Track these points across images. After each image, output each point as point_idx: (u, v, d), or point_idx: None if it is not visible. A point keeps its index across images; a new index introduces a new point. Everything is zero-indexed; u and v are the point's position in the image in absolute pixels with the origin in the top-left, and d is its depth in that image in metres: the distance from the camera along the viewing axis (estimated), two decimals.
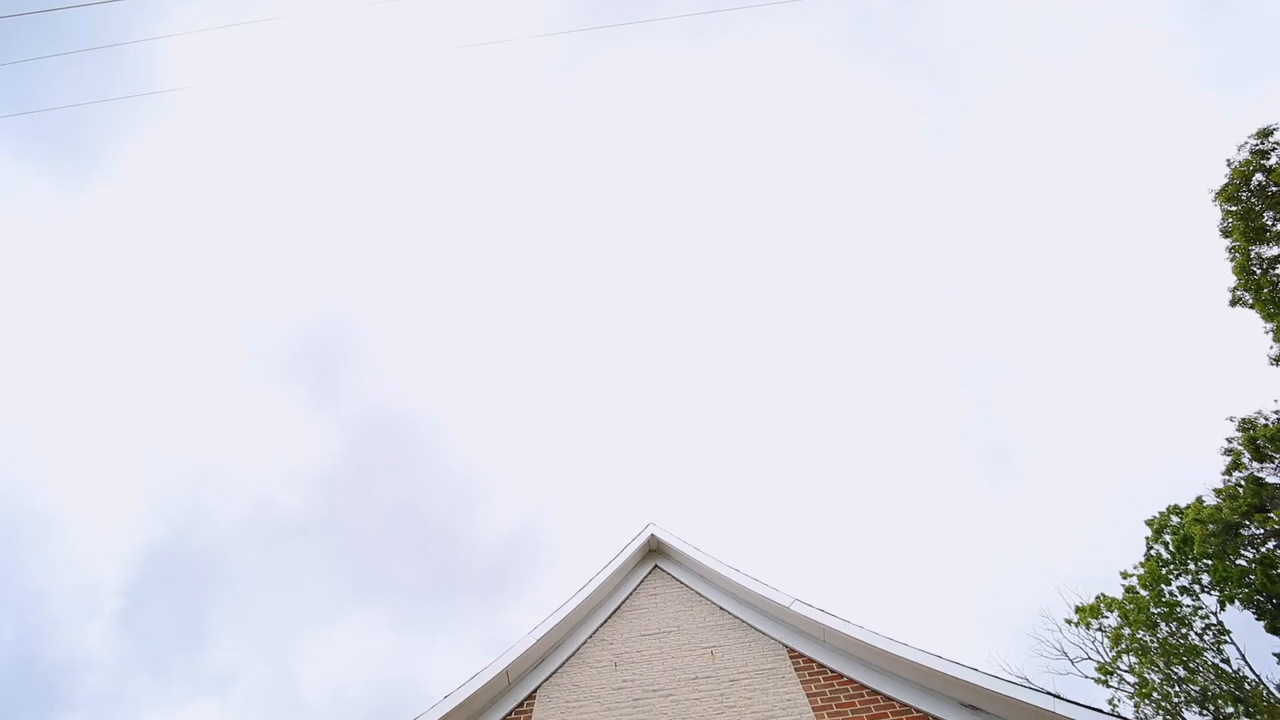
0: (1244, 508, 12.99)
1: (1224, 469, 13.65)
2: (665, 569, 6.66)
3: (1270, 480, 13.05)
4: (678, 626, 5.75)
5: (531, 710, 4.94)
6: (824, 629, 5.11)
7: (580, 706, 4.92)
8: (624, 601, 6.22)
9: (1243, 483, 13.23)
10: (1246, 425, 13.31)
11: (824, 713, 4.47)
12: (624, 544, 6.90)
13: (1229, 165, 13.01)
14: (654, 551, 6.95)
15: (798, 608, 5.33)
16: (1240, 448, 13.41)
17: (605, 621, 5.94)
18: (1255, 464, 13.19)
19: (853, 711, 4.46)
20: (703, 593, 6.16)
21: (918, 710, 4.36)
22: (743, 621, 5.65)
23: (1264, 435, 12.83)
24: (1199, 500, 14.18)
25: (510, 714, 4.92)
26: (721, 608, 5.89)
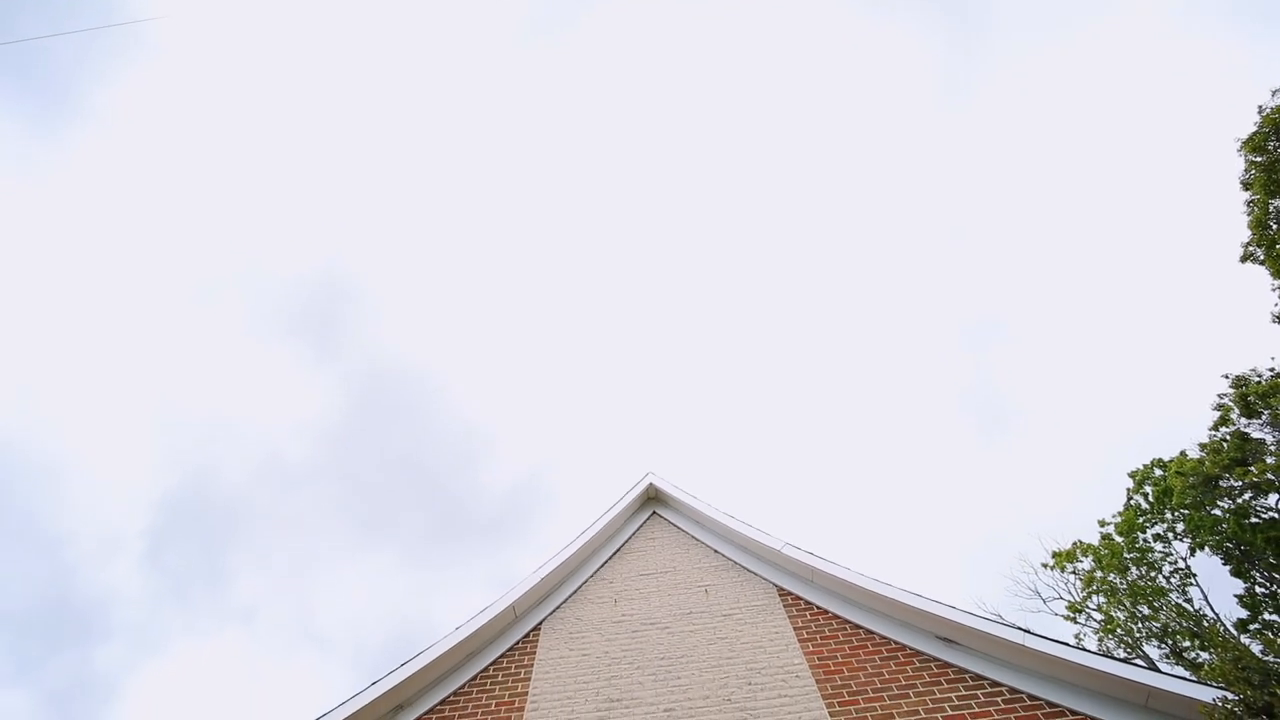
0: (1226, 461, 13.38)
1: (1212, 424, 13.93)
2: (663, 515, 6.97)
3: (1255, 435, 13.36)
4: (674, 567, 6.09)
5: (537, 640, 5.32)
6: (812, 570, 5.41)
7: (583, 637, 5.30)
8: (624, 544, 6.55)
9: (1228, 438, 13.55)
10: (1240, 382, 13.46)
11: (808, 644, 4.83)
12: (624, 492, 7.18)
13: (1260, 112, 12.39)
14: (652, 499, 7.24)
15: (789, 551, 5.62)
16: (1231, 404, 13.62)
17: (606, 562, 6.28)
18: (1244, 420, 13.44)
19: (835, 643, 4.81)
20: (698, 537, 6.47)
21: (896, 642, 4.70)
22: (735, 563, 5.98)
23: (1255, 392, 13.00)
24: (1183, 454, 14.58)
25: (518, 643, 5.31)
26: (716, 550, 6.22)
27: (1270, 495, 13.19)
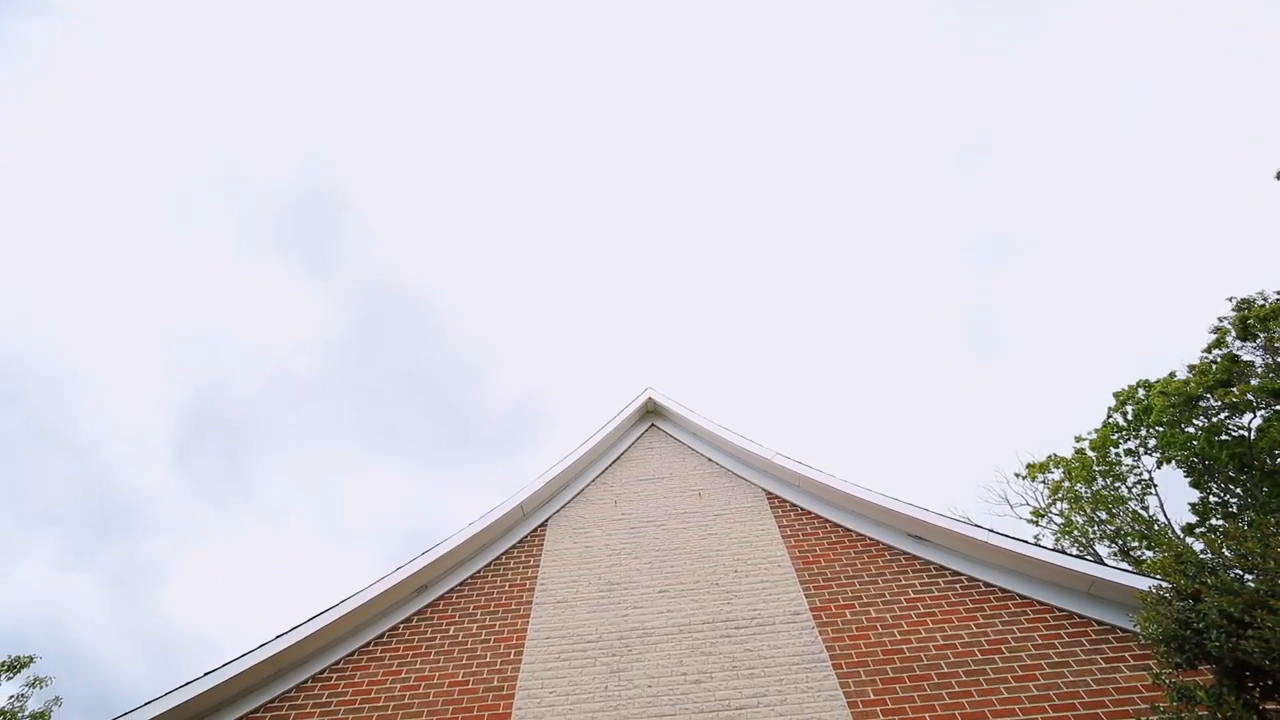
0: (1211, 382, 13.72)
1: (1205, 347, 14.08)
2: (661, 427, 7.31)
3: (1246, 358, 13.57)
4: (670, 473, 6.51)
5: (544, 534, 5.85)
6: (799, 477, 5.80)
7: (585, 533, 5.82)
8: (623, 452, 6.95)
9: (1219, 360, 13.77)
10: (1243, 305, 13.38)
11: (791, 540, 5.31)
12: (624, 405, 7.46)
13: None
14: (651, 412, 7.54)
15: (779, 460, 5.98)
16: (1229, 326, 13.67)
17: (607, 468, 6.70)
18: (1239, 342, 13.55)
19: (815, 540, 5.29)
20: (694, 447, 6.84)
21: (871, 539, 5.18)
22: (728, 470, 6.38)
23: (1257, 315, 12.98)
24: (1171, 375, 14.91)
25: (526, 537, 5.84)
26: (709, 459, 6.61)
27: (1245, 415, 13.70)
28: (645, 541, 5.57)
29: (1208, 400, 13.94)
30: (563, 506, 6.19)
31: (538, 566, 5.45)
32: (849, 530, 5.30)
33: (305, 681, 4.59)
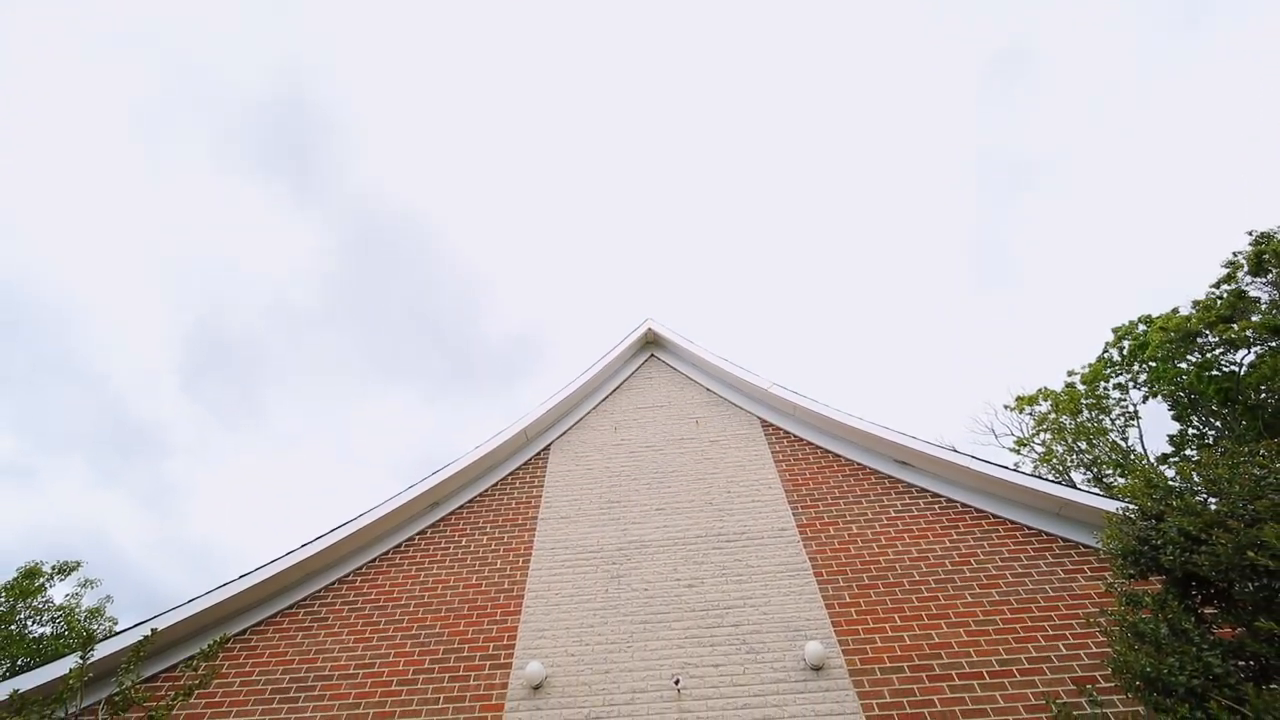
0: (1212, 318, 13.68)
1: (1214, 281, 13.87)
2: (660, 357, 7.39)
3: (1253, 294, 13.41)
4: (669, 402, 6.69)
5: (547, 458, 6.13)
6: (794, 406, 5.97)
7: (586, 457, 6.09)
8: (623, 382, 7.09)
9: (1225, 295, 13.63)
10: (1262, 239, 12.99)
11: (783, 464, 5.58)
12: (624, 335, 7.49)
13: None
14: (651, 343, 7.59)
15: (775, 390, 6.12)
16: (1243, 261, 13.37)
17: (607, 396, 6.87)
18: (1250, 277, 13.33)
19: (806, 464, 5.55)
20: (692, 376, 6.97)
21: (859, 464, 5.43)
22: (725, 399, 6.55)
23: (1274, 249, 12.64)
24: (1174, 310, 14.83)
25: (531, 460, 6.13)
26: (708, 389, 6.76)
27: (1240, 351, 13.79)
28: (644, 464, 5.85)
29: (1206, 336, 13.98)
30: (565, 432, 6.42)
31: (542, 486, 5.77)
32: (838, 456, 5.55)
33: (333, 583, 5.04)
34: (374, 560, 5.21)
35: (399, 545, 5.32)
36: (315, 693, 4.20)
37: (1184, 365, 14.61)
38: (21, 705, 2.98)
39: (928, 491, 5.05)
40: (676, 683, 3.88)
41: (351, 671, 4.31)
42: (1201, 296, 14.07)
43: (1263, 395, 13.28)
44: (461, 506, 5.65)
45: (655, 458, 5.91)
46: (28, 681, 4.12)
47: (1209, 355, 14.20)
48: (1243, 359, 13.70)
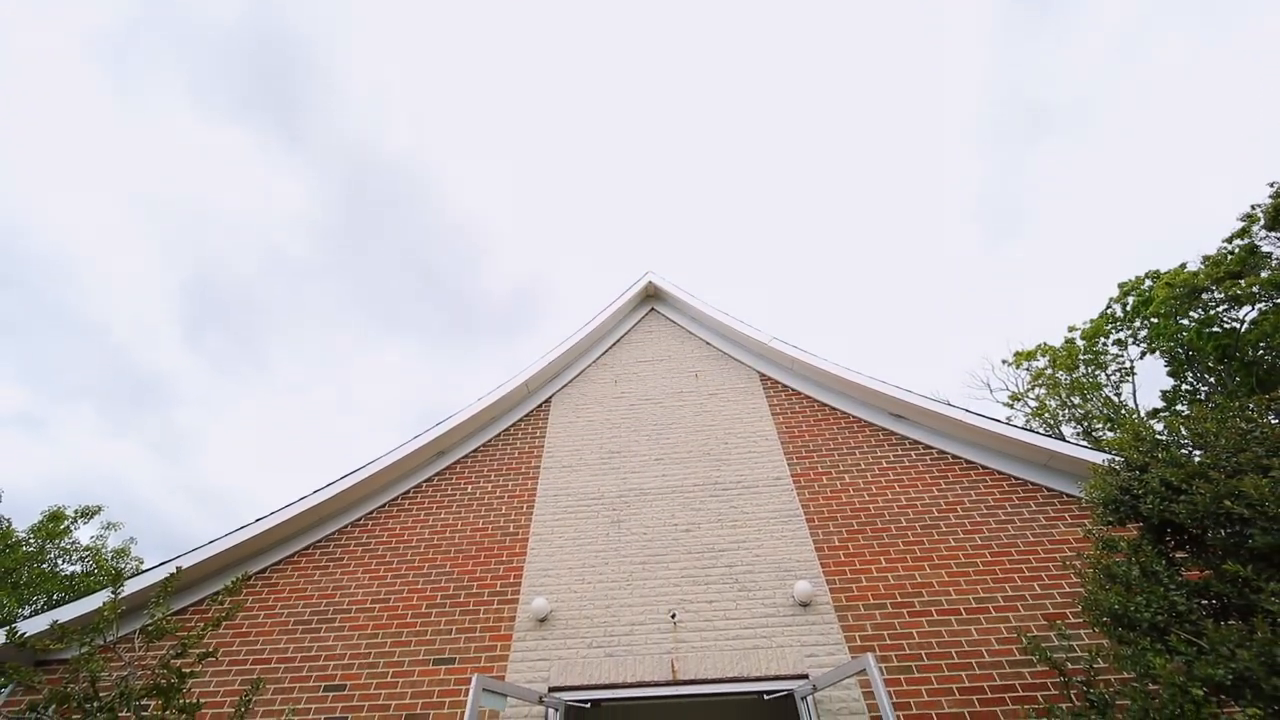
0: (1221, 274, 13.49)
1: (1227, 236, 13.57)
2: (661, 311, 7.35)
3: (1266, 249, 13.14)
4: (669, 356, 6.72)
5: (549, 410, 6.23)
6: (793, 360, 6.00)
7: (587, 409, 6.20)
8: (623, 336, 7.09)
9: (1236, 250, 13.36)
10: None
11: (780, 417, 5.68)
12: (624, 288, 7.42)
13: None
14: (651, 297, 7.53)
15: (775, 344, 6.13)
16: (1260, 214, 13.01)
17: (607, 350, 6.90)
18: (1265, 231, 13.00)
19: (802, 417, 5.65)
20: (693, 331, 6.96)
21: (854, 417, 5.53)
22: (724, 354, 6.58)
23: None
24: (1181, 266, 14.60)
25: (532, 411, 6.23)
26: (707, 343, 6.77)
27: (1244, 307, 13.69)
28: (643, 417, 5.96)
29: (1211, 292, 13.84)
30: (566, 385, 6.50)
31: (544, 437, 5.91)
32: (835, 409, 5.65)
33: (346, 526, 5.27)
34: (384, 505, 5.42)
35: (407, 492, 5.51)
36: (335, 624, 4.50)
37: (1185, 322, 14.55)
38: (62, 634, 3.19)
39: (920, 444, 5.17)
40: (673, 617, 4.15)
41: (368, 606, 4.59)
42: (1213, 251, 13.80)
43: (1260, 352, 13.32)
44: (466, 456, 5.81)
45: (655, 410, 6.01)
46: (65, 614, 4.39)
47: (1212, 312, 14.12)
48: (1245, 316, 13.63)
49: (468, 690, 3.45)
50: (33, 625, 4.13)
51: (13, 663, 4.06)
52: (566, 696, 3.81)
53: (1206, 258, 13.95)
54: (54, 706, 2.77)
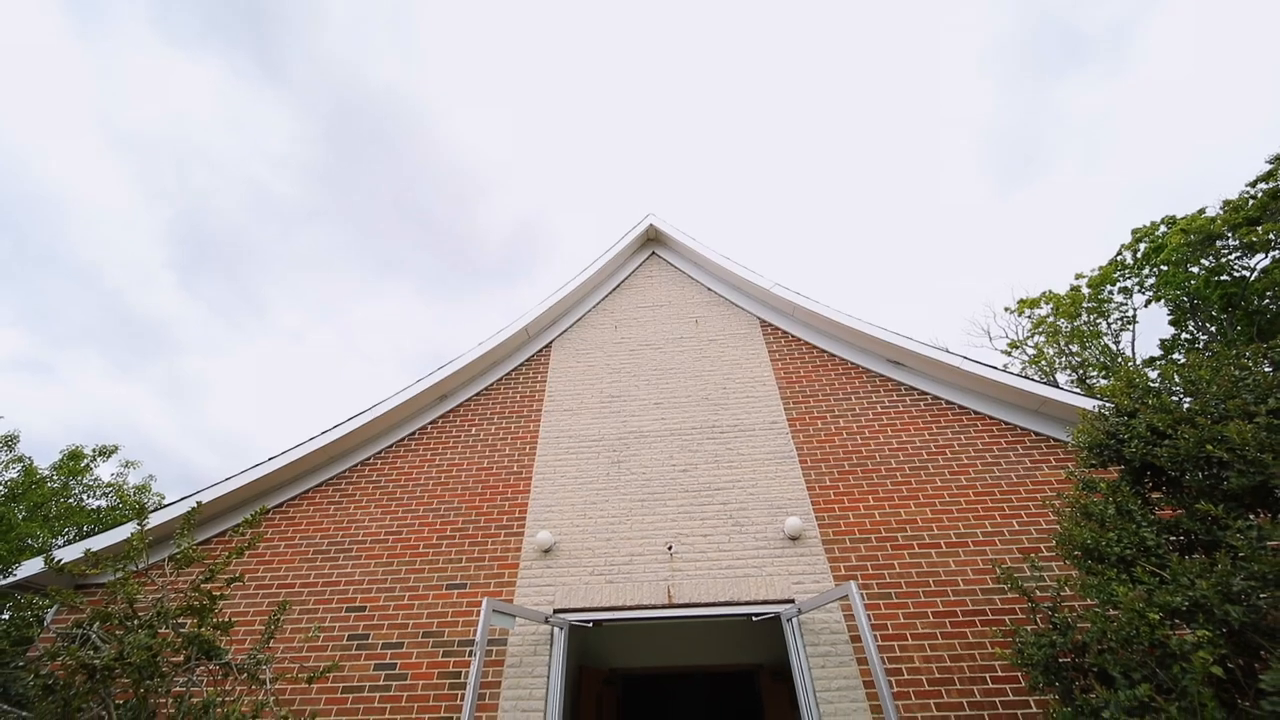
0: (1239, 220, 13.09)
1: (1251, 180, 13.03)
2: (662, 255, 7.21)
3: None
4: (669, 301, 6.67)
5: (549, 355, 6.27)
6: (794, 306, 5.96)
7: (587, 354, 6.23)
8: (624, 280, 7.00)
9: (1259, 195, 12.88)
10: None
11: (778, 363, 5.73)
12: (625, 231, 7.23)
13: None
14: (652, 240, 7.35)
15: (777, 290, 6.06)
16: None
17: (607, 295, 6.84)
18: None
19: (801, 363, 5.70)
20: (694, 276, 6.86)
21: (852, 363, 5.58)
22: (725, 299, 6.53)
23: None
24: (1199, 211, 14.13)
25: (533, 356, 6.28)
26: (709, 288, 6.69)
27: (1257, 255, 13.41)
28: (643, 362, 6.01)
29: (1226, 239, 13.50)
30: (566, 330, 6.50)
31: (545, 381, 5.99)
32: (834, 355, 5.68)
33: (356, 465, 5.46)
34: (391, 446, 5.59)
35: (413, 433, 5.67)
36: (352, 554, 4.78)
37: (1195, 270, 14.30)
38: (96, 561, 3.40)
39: (915, 390, 5.25)
40: (669, 549, 4.40)
41: (382, 537, 4.86)
42: (1235, 196, 13.31)
43: (1265, 301, 13.20)
44: (469, 399, 5.92)
45: (655, 355, 6.05)
46: (97, 543, 4.66)
47: (1223, 260, 13.84)
48: (1257, 264, 13.38)
49: (479, 611, 3.72)
50: (67, 554, 4.39)
51: (54, 586, 4.35)
52: (570, 617, 4.13)
53: (1227, 202, 13.47)
54: (97, 624, 3.00)
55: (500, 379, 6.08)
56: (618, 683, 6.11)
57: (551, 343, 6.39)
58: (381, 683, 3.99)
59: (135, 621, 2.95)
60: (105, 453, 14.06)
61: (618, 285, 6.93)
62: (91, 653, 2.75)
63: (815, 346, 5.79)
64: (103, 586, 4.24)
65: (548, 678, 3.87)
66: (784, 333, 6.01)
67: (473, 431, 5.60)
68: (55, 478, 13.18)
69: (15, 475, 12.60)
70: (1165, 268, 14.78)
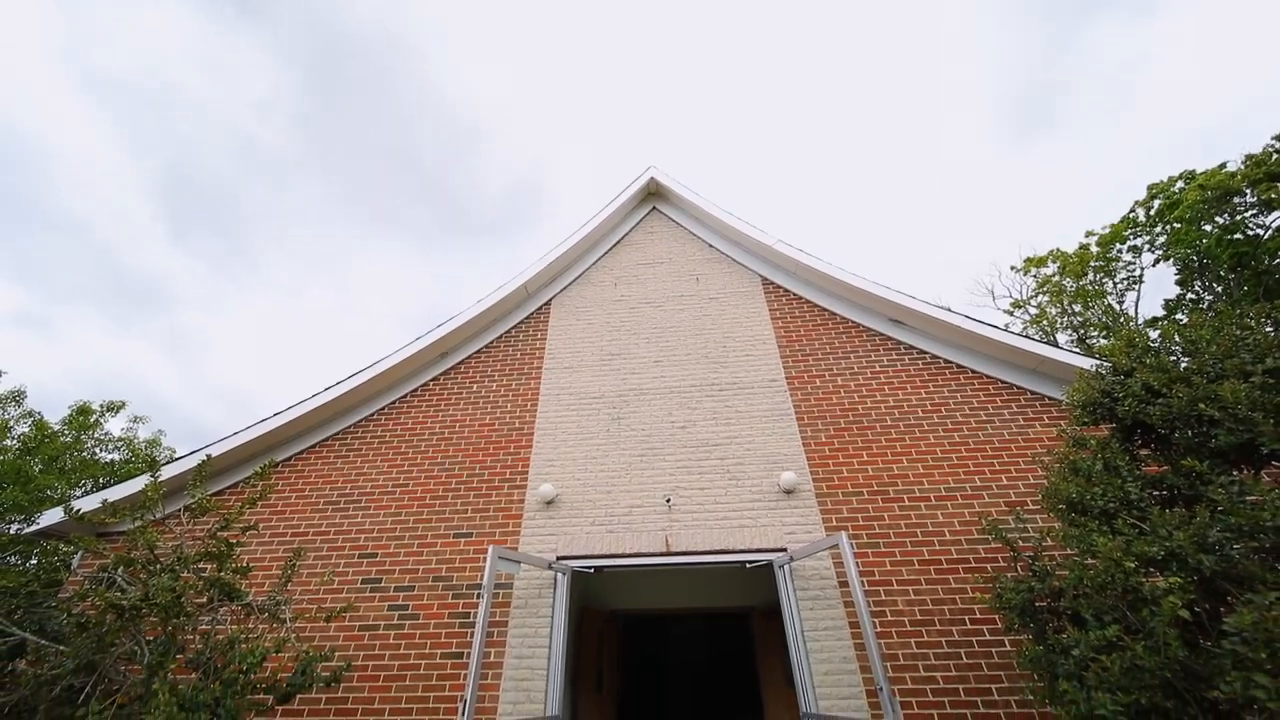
0: (1259, 175, 12.66)
1: (1278, 133, 12.48)
2: (663, 210, 7.03)
3: None
4: (670, 258, 6.56)
5: (549, 312, 6.24)
6: (796, 263, 5.87)
7: (587, 311, 6.20)
8: (624, 236, 6.86)
9: None
10: None
11: (779, 321, 5.71)
12: (625, 185, 7.01)
13: None
14: (653, 194, 7.14)
15: (780, 246, 5.95)
16: None
17: (607, 251, 6.72)
18: None
19: (801, 322, 5.68)
20: (695, 232, 6.72)
21: (853, 322, 5.56)
22: (727, 256, 6.42)
23: None
24: (1220, 166, 13.64)
25: (533, 314, 6.24)
26: (710, 245, 6.57)
27: (1274, 213, 13.06)
28: (643, 320, 5.98)
29: (1244, 196, 13.10)
30: (566, 287, 6.43)
31: (545, 339, 5.99)
32: (835, 314, 5.65)
33: (360, 421, 5.56)
34: (394, 403, 5.66)
35: (415, 390, 5.73)
36: (361, 505, 4.95)
37: (1208, 228, 13.96)
38: (114, 510, 3.53)
39: (914, 349, 5.26)
40: (668, 501, 4.55)
41: (390, 489, 5.01)
42: (1259, 150, 12.80)
43: (1277, 261, 12.97)
44: (470, 356, 5.94)
45: (655, 314, 6.02)
46: (113, 494, 4.81)
47: (1239, 217, 13.49)
48: (1272, 221, 13.05)
49: (486, 558, 3.89)
50: (86, 503, 4.54)
51: (77, 534, 4.53)
52: (573, 564, 4.32)
53: (1249, 157, 12.98)
54: (121, 569, 3.15)
55: (500, 336, 6.08)
56: (618, 622, 6.48)
57: (551, 300, 6.34)
58: (395, 621, 4.23)
59: (157, 566, 3.09)
60: (113, 408, 14.26)
61: (618, 241, 6.80)
62: (119, 594, 2.90)
63: (816, 305, 5.75)
64: (123, 534, 4.42)
65: (552, 618, 4.11)
66: (785, 291, 5.95)
67: (474, 389, 5.66)
68: (66, 432, 13.45)
69: (27, 430, 12.85)
70: (1178, 225, 14.43)
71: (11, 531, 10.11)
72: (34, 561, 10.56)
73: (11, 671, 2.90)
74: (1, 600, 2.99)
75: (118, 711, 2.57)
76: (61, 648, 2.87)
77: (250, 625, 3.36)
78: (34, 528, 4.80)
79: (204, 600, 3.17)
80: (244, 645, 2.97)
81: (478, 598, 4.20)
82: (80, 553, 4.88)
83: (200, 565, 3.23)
